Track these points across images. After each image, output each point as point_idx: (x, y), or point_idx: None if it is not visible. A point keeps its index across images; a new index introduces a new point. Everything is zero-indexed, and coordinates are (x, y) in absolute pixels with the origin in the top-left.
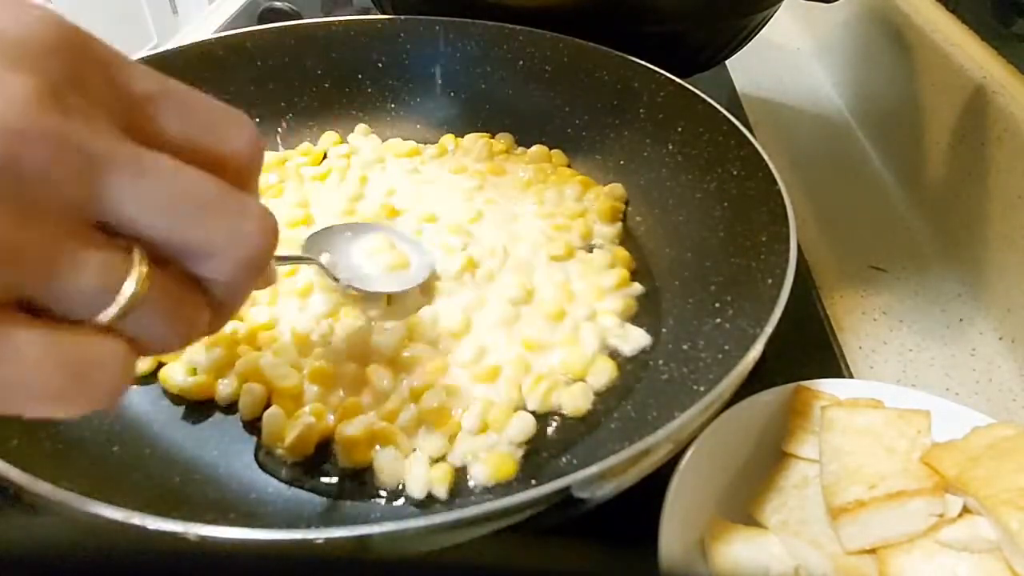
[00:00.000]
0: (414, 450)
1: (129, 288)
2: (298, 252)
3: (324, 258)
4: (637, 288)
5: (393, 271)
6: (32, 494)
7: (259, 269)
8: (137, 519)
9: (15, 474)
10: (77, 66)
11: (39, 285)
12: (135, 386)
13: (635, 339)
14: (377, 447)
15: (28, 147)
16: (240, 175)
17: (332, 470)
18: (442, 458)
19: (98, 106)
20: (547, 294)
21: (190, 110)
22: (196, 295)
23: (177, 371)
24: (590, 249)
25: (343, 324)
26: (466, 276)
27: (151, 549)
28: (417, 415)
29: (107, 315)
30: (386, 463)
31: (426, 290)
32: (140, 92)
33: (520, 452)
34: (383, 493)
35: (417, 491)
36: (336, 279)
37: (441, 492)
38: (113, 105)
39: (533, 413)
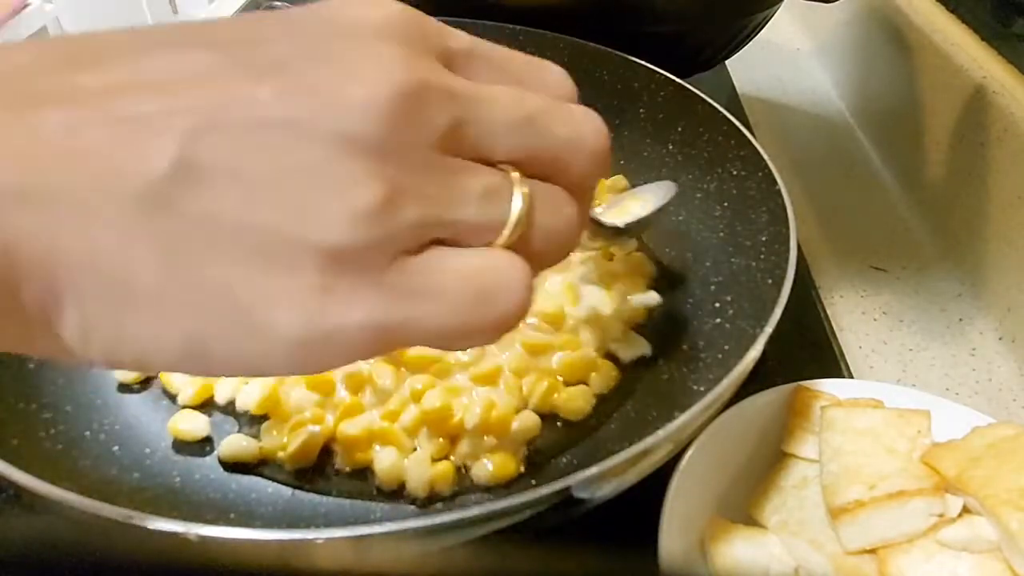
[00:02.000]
0: (414, 449)
1: (517, 204)
2: None
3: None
4: (652, 297)
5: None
6: (32, 494)
7: (606, 160)
8: (137, 519)
9: (15, 474)
10: (423, 34)
11: (446, 218)
12: (135, 387)
13: (636, 347)
14: (377, 447)
15: (413, 98)
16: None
17: (332, 470)
18: (444, 458)
19: (443, 61)
20: (549, 294)
21: (500, 61)
22: (566, 199)
23: (177, 374)
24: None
25: None
26: None
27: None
28: (418, 415)
29: (505, 235)
30: (386, 463)
31: None
32: (460, 49)
33: (522, 452)
34: (383, 493)
35: (419, 490)
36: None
37: (444, 490)
38: (450, 61)
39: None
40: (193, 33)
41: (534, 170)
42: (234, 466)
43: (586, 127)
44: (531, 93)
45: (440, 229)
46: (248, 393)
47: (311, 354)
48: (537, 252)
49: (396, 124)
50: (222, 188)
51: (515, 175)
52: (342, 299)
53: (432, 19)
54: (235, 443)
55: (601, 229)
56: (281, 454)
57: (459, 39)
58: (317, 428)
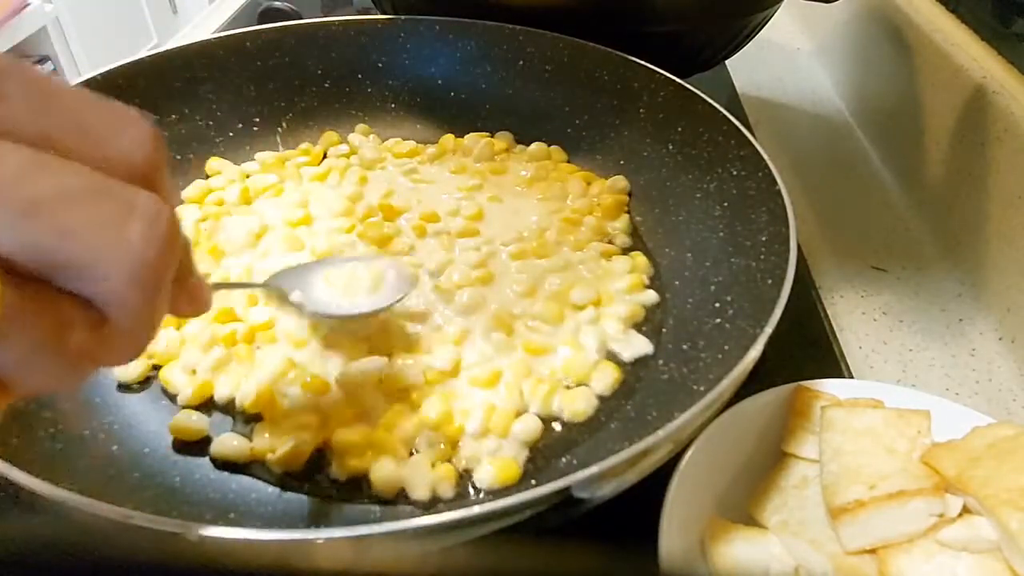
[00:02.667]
0: (412, 453)
1: None
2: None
3: (294, 295)
4: (651, 296)
5: (368, 292)
6: (32, 494)
7: (154, 285)
8: (137, 519)
9: (15, 474)
10: None
11: None
12: (135, 387)
13: (636, 346)
14: (372, 455)
15: None
16: (138, 180)
17: (328, 477)
18: (445, 461)
19: None
20: (549, 294)
21: (53, 103)
22: (77, 319)
23: (177, 374)
24: (611, 256)
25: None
26: (469, 275)
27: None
28: (418, 421)
29: None
30: (383, 472)
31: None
32: None
33: (524, 455)
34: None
35: (421, 493)
36: (301, 310)
37: (447, 492)
38: None
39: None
40: None
41: (39, 272)
42: (230, 465)
43: (131, 229)
44: (66, 163)
45: None
46: (245, 393)
47: None
48: (15, 377)
49: None
50: None
51: None
52: None
53: None
54: (227, 442)
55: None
56: (270, 456)
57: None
58: (308, 436)
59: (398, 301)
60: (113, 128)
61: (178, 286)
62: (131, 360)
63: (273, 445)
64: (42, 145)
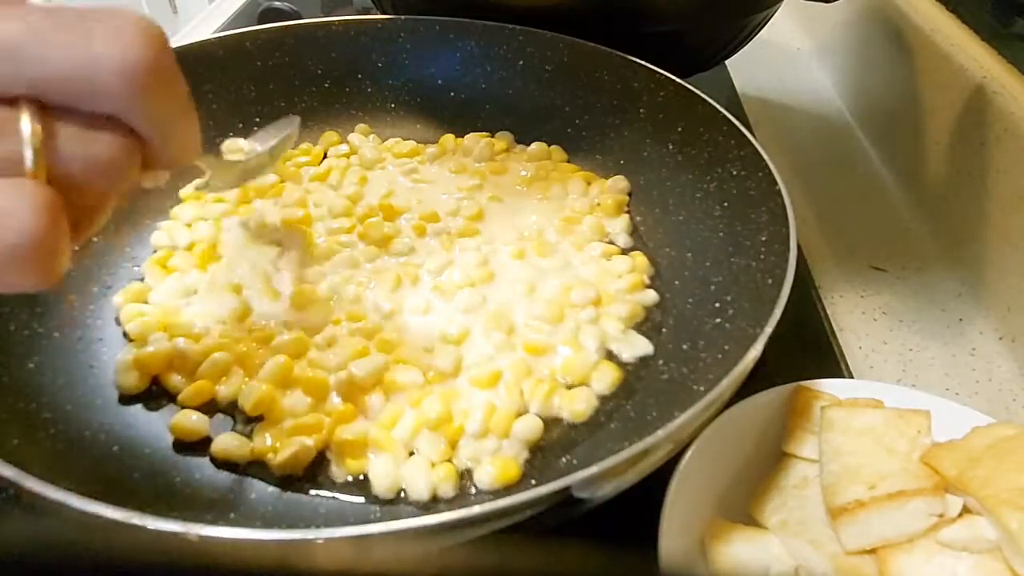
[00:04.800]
0: (411, 453)
1: (25, 135)
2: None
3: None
4: (651, 296)
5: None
6: (32, 494)
7: (152, 76)
8: (137, 519)
9: (15, 474)
10: None
11: None
12: (137, 386)
13: (636, 346)
14: (371, 455)
15: None
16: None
17: (328, 478)
18: (445, 461)
19: None
20: (549, 294)
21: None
22: (97, 127)
23: (178, 377)
24: (611, 256)
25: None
26: (469, 276)
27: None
28: (418, 421)
29: (28, 167)
30: (382, 471)
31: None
32: None
33: (524, 455)
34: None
35: (421, 493)
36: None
37: (448, 492)
38: None
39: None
40: None
41: (54, 101)
42: (230, 465)
43: (110, 34)
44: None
45: None
46: (247, 394)
47: None
48: (77, 183)
49: None
50: None
51: (25, 109)
52: None
53: None
54: (227, 441)
55: (224, 164)
56: (271, 459)
57: None
58: (310, 440)
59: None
60: (90, 35)
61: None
62: (192, 158)
63: (274, 447)
64: None
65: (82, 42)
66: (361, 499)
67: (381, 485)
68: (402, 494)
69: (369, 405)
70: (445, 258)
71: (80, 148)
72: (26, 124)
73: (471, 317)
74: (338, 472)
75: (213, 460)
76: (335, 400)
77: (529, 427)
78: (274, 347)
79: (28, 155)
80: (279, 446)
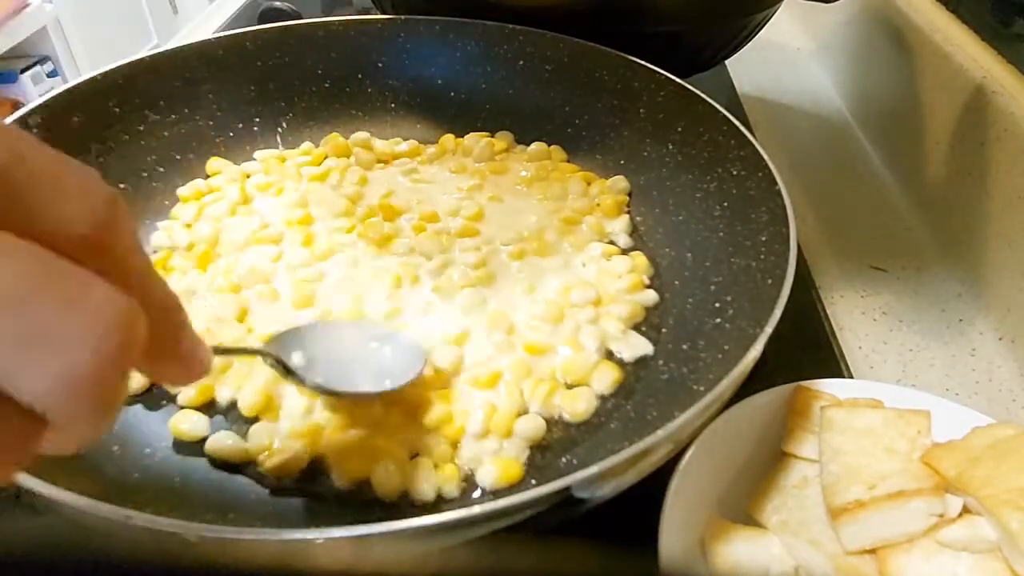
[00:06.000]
0: (415, 455)
1: None
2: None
3: (295, 357)
4: (651, 296)
5: (376, 369)
6: (32, 494)
7: (99, 392)
8: (137, 519)
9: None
10: None
11: None
12: (137, 387)
13: (636, 346)
14: (373, 458)
15: None
16: (82, 254)
17: (329, 478)
18: (448, 462)
19: None
20: (549, 294)
21: None
22: (23, 417)
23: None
24: (611, 256)
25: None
26: (469, 275)
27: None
28: (418, 423)
29: None
30: (385, 476)
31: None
32: None
33: (525, 455)
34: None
35: (426, 495)
36: (302, 380)
37: (451, 492)
38: None
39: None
40: None
41: None
42: (230, 465)
43: (64, 327)
44: None
45: None
46: (245, 397)
47: None
48: None
49: None
50: None
51: None
52: None
53: None
54: (222, 440)
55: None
56: (263, 462)
57: None
58: (303, 448)
59: (403, 385)
60: (55, 193)
61: (165, 357)
62: (80, 446)
63: (268, 448)
64: None
65: (41, 316)
66: (362, 499)
67: (384, 488)
68: (404, 496)
69: (369, 408)
70: (445, 258)
71: None
72: None
73: (471, 317)
74: (339, 479)
75: (211, 460)
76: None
77: (532, 427)
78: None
79: None
80: (273, 449)
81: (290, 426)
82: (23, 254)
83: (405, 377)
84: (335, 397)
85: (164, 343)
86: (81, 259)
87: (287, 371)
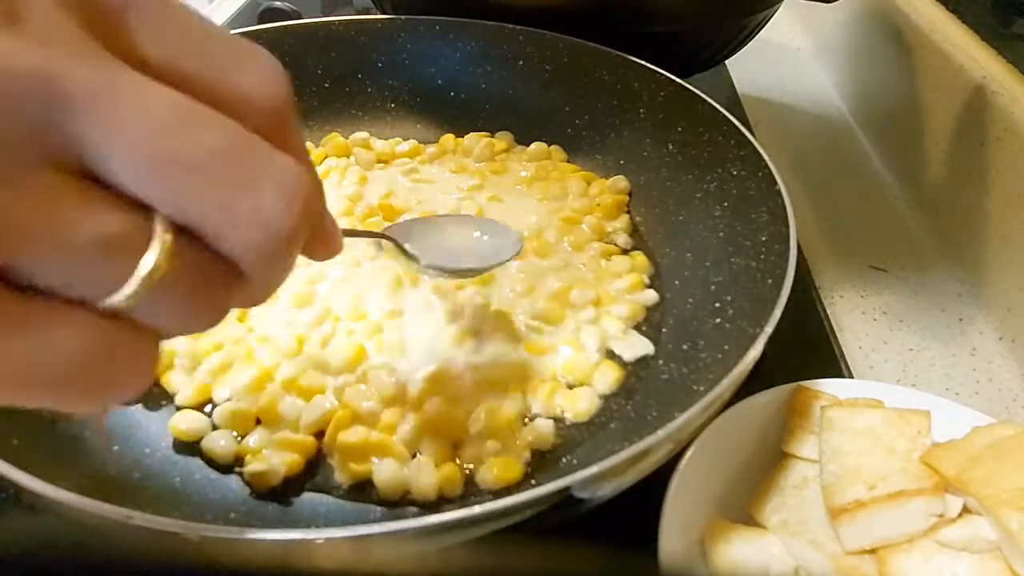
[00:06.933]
0: (414, 455)
1: (149, 261)
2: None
3: (408, 246)
4: (651, 295)
5: (474, 251)
6: (32, 494)
7: (290, 250)
8: (137, 519)
9: (15, 474)
10: None
11: (24, 252)
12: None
13: (636, 346)
14: (375, 459)
15: (8, 93)
16: (263, 127)
17: (330, 478)
18: (448, 462)
19: (65, 10)
20: (550, 294)
21: (186, 29)
22: (223, 271)
23: (177, 375)
24: (611, 256)
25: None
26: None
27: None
28: (419, 423)
29: (122, 294)
30: (386, 475)
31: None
32: (123, 4)
33: (526, 455)
34: (386, 503)
35: (427, 495)
36: (414, 258)
37: (452, 492)
38: (86, 11)
39: (536, 416)
40: None
41: (189, 227)
42: (228, 465)
43: (262, 198)
44: (209, 112)
45: (25, 265)
46: (235, 390)
47: None
48: (161, 324)
49: None
50: None
51: (159, 222)
52: None
53: None
54: (215, 440)
55: (402, 253)
56: (248, 459)
57: None
58: (282, 464)
59: (505, 262)
60: (241, 62)
61: (312, 233)
62: (260, 303)
63: (255, 452)
64: (167, 75)
65: (251, 184)
66: (362, 499)
67: (386, 488)
68: (404, 497)
69: (368, 409)
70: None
71: (181, 302)
72: (146, 262)
73: (471, 317)
74: (341, 477)
75: (210, 460)
76: (333, 402)
77: (541, 431)
78: (272, 347)
79: (121, 297)
80: (252, 458)
81: (280, 438)
82: (223, 123)
83: (505, 256)
84: (447, 276)
85: (317, 219)
86: (263, 131)
87: (405, 254)
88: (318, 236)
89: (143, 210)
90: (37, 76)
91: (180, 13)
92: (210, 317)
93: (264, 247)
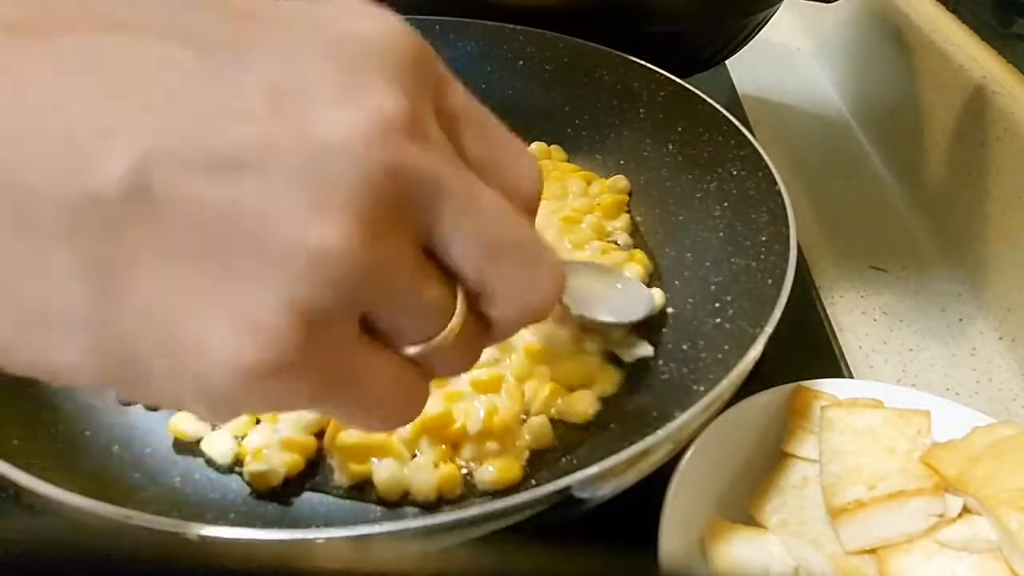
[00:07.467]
0: (414, 456)
1: (456, 320)
2: None
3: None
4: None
5: (615, 303)
6: (32, 494)
7: (542, 317)
8: (137, 519)
9: (15, 474)
10: (426, 80)
11: (386, 305)
12: None
13: (636, 346)
14: (374, 459)
15: (398, 176)
16: (525, 211)
17: (330, 478)
18: (447, 462)
19: (437, 124)
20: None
21: (488, 134)
22: (484, 331)
23: None
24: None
25: None
26: None
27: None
28: (418, 423)
29: (434, 344)
30: (387, 475)
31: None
32: (455, 108)
33: (526, 456)
34: (386, 504)
35: (427, 495)
36: (572, 311)
37: (452, 493)
38: (443, 123)
39: (535, 416)
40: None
41: (471, 292)
42: (227, 465)
43: (541, 279)
44: (511, 215)
45: (381, 312)
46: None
47: (247, 391)
48: (434, 368)
49: (379, 204)
50: (173, 222)
51: (460, 300)
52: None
53: (442, 63)
54: (215, 439)
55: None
56: (248, 460)
57: (456, 93)
58: (282, 465)
59: (643, 319)
60: (519, 161)
61: None
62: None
63: (256, 453)
64: (478, 171)
65: (531, 272)
66: (362, 499)
67: (385, 488)
68: (404, 498)
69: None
70: None
71: (453, 355)
72: (454, 324)
73: None
74: (342, 477)
75: (210, 460)
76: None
77: (538, 431)
78: None
79: (429, 348)
80: (253, 458)
81: (280, 438)
82: (521, 218)
83: (640, 312)
84: (591, 324)
85: None
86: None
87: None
88: None
89: (452, 279)
90: (436, 176)
91: (491, 123)
92: (468, 365)
93: (529, 316)
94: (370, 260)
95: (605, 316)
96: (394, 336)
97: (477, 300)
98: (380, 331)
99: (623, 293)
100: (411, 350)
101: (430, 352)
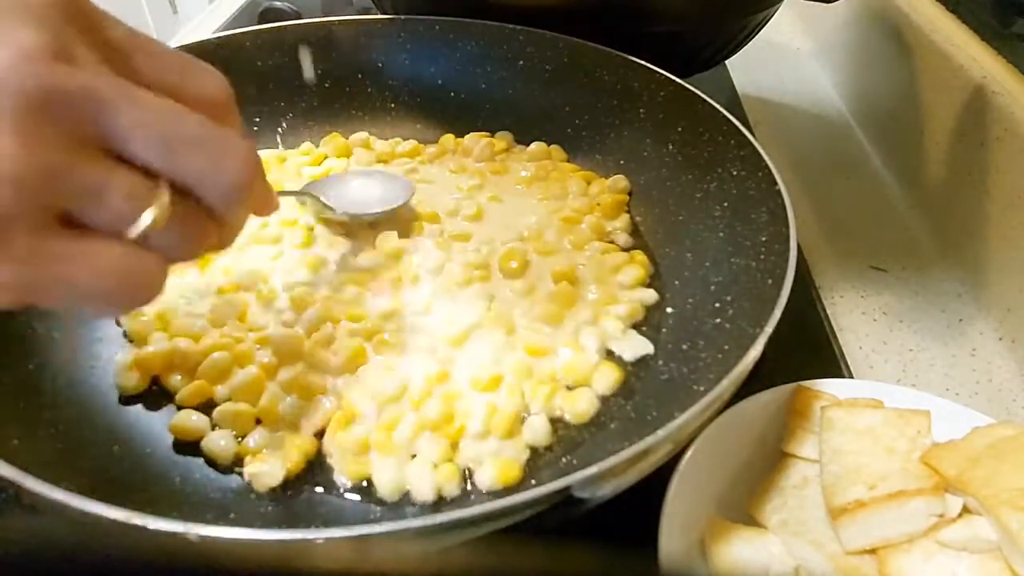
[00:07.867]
0: (414, 456)
1: (151, 212)
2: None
3: (328, 199)
4: (651, 295)
5: (377, 196)
6: (32, 494)
7: (245, 195)
8: (137, 519)
9: (15, 474)
10: (71, 18)
11: (75, 200)
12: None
13: (636, 346)
14: (375, 459)
15: (48, 92)
16: (216, 115)
17: (330, 478)
18: (447, 462)
19: (92, 51)
20: (549, 294)
21: (160, 56)
22: (206, 219)
23: (178, 377)
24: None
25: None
26: (469, 275)
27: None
28: (418, 423)
29: (140, 227)
30: (386, 475)
31: (405, 231)
32: (117, 39)
33: (525, 456)
34: (387, 504)
35: (426, 495)
36: (332, 208)
37: (452, 492)
38: (102, 50)
39: (535, 416)
40: None
41: (180, 186)
42: (227, 465)
43: (227, 162)
44: (183, 113)
45: (70, 207)
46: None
47: None
48: (163, 250)
49: (36, 117)
50: None
51: (163, 187)
52: None
53: (91, 3)
54: (215, 439)
55: (322, 206)
56: (248, 460)
57: (117, 28)
58: (281, 466)
59: (405, 203)
60: (197, 74)
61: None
62: (229, 245)
63: (255, 452)
64: (158, 88)
65: (214, 155)
66: (361, 499)
67: (385, 488)
68: (405, 497)
69: (368, 409)
70: (444, 258)
71: (178, 236)
72: (150, 212)
73: (471, 318)
74: (341, 478)
75: (209, 460)
76: (333, 402)
77: (538, 431)
78: (272, 347)
79: (136, 230)
80: (253, 458)
81: (279, 436)
82: (197, 116)
83: (401, 198)
84: (360, 219)
85: (261, 180)
86: (218, 118)
87: (324, 206)
88: (259, 196)
89: (153, 177)
90: (89, 88)
91: (162, 48)
92: (198, 246)
93: (231, 196)
94: (39, 164)
95: (370, 209)
96: (101, 224)
97: (188, 191)
98: (87, 222)
99: (383, 186)
100: (131, 235)
101: (154, 236)
